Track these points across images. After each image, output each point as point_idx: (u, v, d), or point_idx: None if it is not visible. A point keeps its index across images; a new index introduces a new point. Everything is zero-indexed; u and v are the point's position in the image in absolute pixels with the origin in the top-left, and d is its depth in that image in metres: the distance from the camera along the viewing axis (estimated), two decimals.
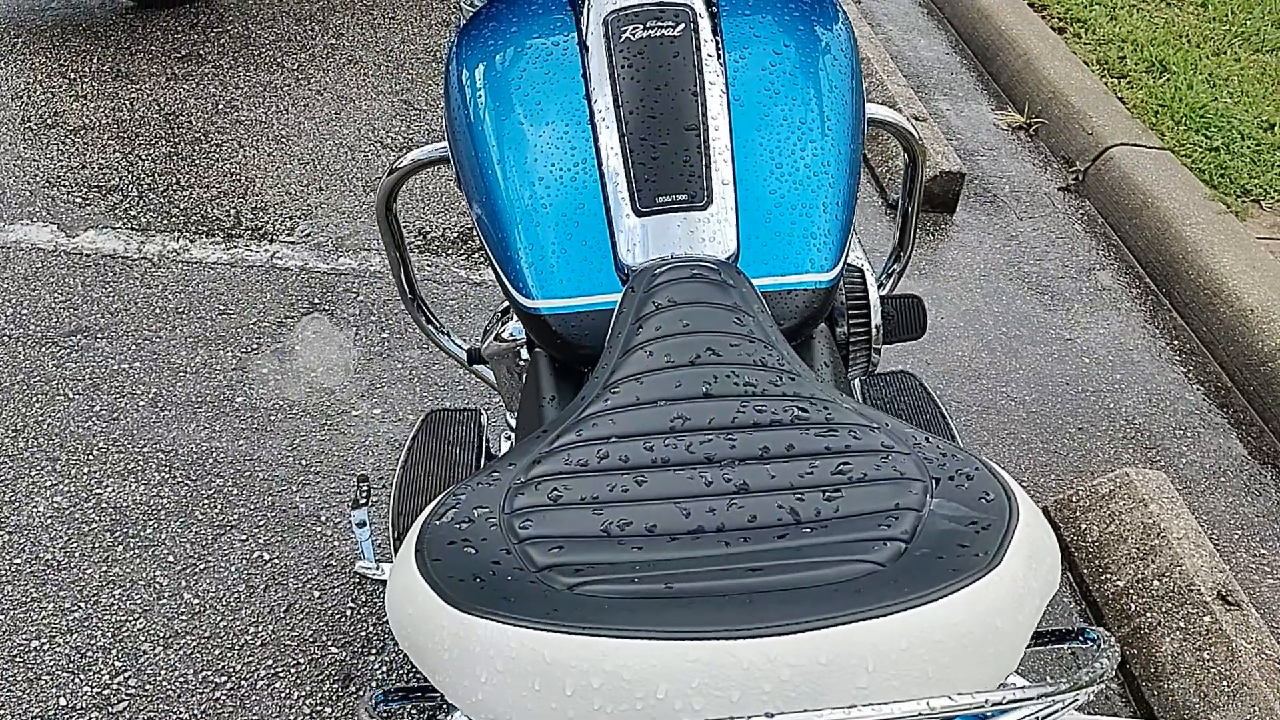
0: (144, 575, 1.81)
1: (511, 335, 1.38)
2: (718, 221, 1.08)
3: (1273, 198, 3.24)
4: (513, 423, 1.67)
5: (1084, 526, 2.07)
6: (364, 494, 1.73)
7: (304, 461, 2.06)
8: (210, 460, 2.05)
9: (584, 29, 1.19)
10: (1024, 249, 3.11)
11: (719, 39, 1.17)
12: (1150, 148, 3.44)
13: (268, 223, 2.81)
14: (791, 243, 1.10)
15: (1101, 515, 2.06)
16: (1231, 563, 2.08)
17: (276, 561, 1.86)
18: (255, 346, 2.36)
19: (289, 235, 2.76)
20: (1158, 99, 3.75)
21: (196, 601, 1.78)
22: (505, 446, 1.66)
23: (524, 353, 1.40)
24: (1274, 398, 2.50)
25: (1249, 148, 3.48)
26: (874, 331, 1.30)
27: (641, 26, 1.16)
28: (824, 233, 1.12)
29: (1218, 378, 2.64)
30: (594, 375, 0.95)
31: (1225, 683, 1.71)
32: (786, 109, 1.15)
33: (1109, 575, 1.96)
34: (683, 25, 1.15)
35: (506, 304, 1.53)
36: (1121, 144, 3.44)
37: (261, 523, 1.93)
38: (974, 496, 0.79)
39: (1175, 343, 2.76)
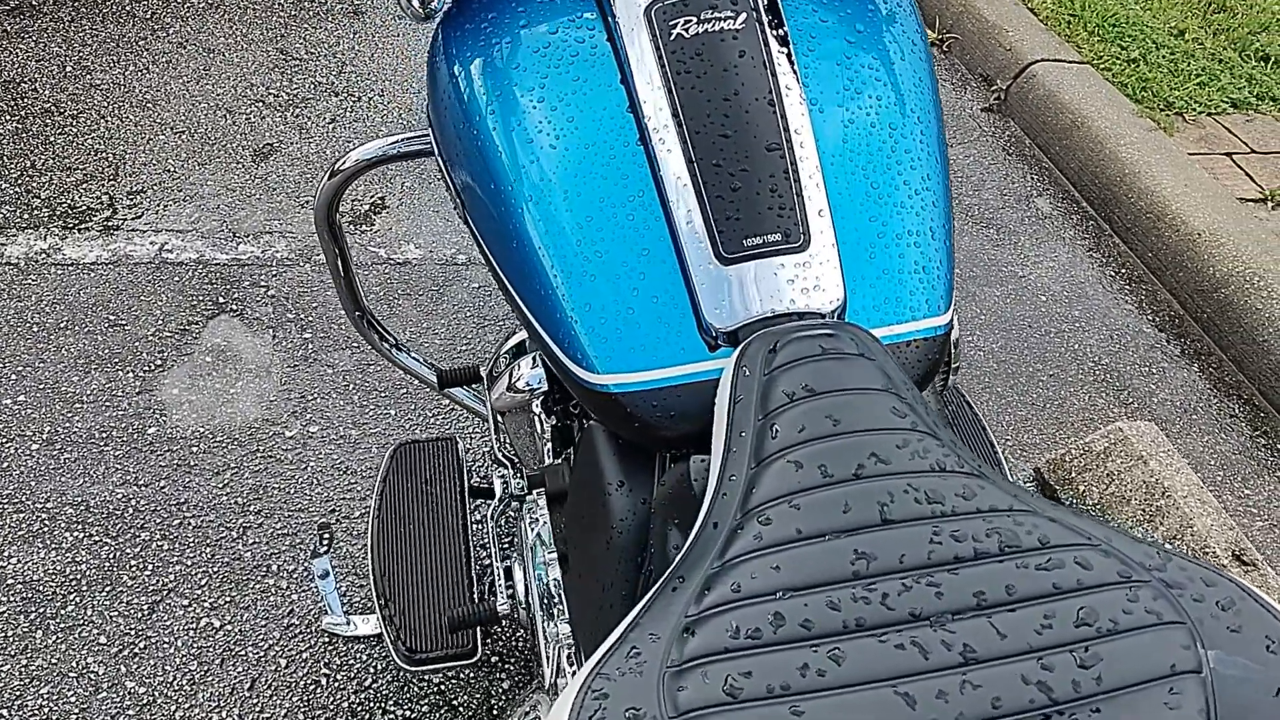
0: (74, 665, 1.55)
1: (528, 384, 1.17)
2: (819, 264, 0.89)
3: (1195, 109, 3.20)
4: (509, 457, 1.46)
5: (1083, 488, 1.99)
6: (325, 541, 1.50)
7: (240, 501, 1.81)
8: (129, 510, 1.77)
9: (614, 21, 0.97)
10: (960, 179, 3.00)
11: (783, 30, 0.96)
12: (1070, 62, 3.36)
13: (149, 209, 2.45)
14: (902, 282, 0.92)
15: (1100, 475, 1.99)
16: (1219, 504, 2.04)
17: (229, 628, 1.62)
18: (159, 362, 2.06)
19: (176, 222, 2.42)
20: (1068, 9, 3.66)
21: (142, 691, 1.53)
22: (497, 485, 1.45)
23: (537, 405, 1.19)
24: (1230, 325, 2.47)
25: (1164, 57, 3.43)
26: (952, 350, 1.14)
27: (695, 19, 0.94)
28: (935, 264, 0.94)
29: (1170, 306, 2.60)
30: (719, 494, 0.75)
31: None
32: (872, 113, 0.96)
33: None
34: (744, 15, 0.94)
35: (516, 339, 1.30)
36: (1042, 59, 3.35)
37: (203, 582, 1.68)
38: (1254, 642, 0.65)
39: (1124, 271, 2.71)
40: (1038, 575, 0.68)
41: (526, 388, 1.17)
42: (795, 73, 0.94)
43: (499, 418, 1.36)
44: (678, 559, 0.73)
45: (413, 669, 1.37)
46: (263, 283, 2.27)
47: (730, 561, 0.70)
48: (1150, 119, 3.06)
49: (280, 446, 1.91)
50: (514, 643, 1.64)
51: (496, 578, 1.40)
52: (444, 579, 1.44)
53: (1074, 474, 2.03)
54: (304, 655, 1.59)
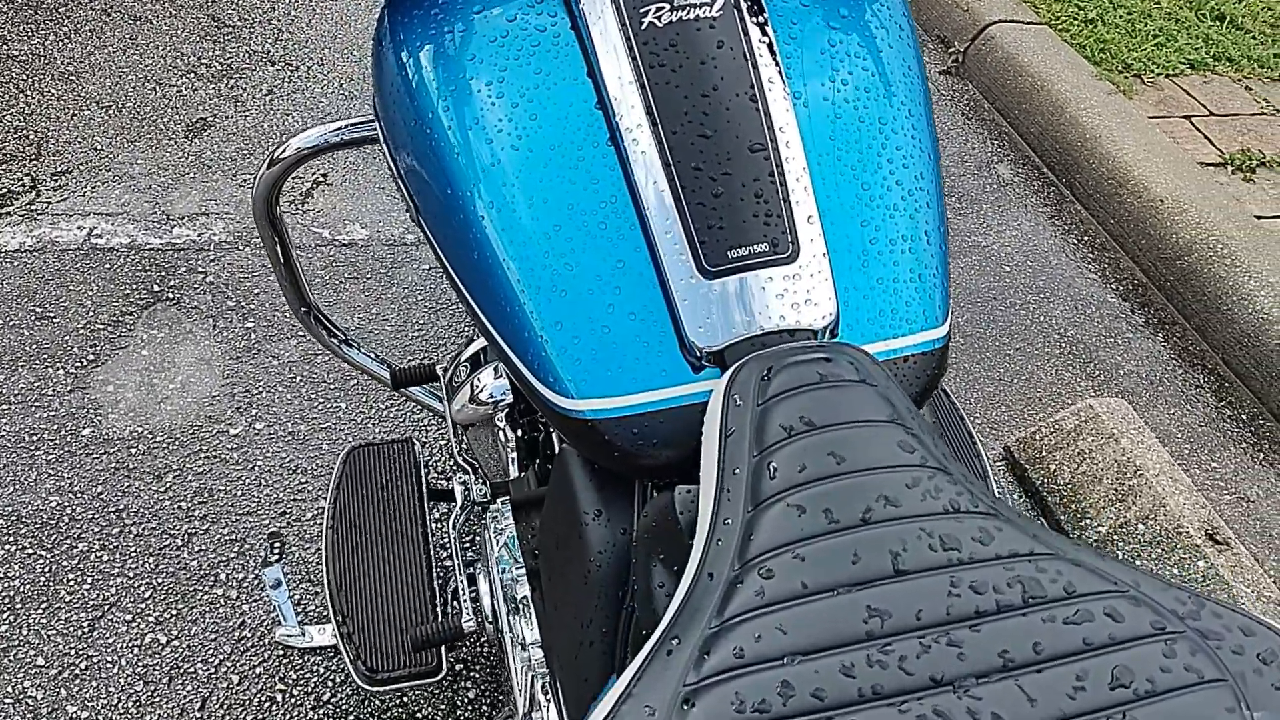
0: (10, 691, 1.46)
1: (491, 396, 1.09)
2: (810, 276, 0.82)
3: (1153, 71, 3.17)
4: (469, 461, 1.38)
5: (1053, 467, 1.96)
6: (275, 549, 1.42)
7: (184, 505, 1.71)
8: (65, 519, 1.67)
9: (579, 8, 0.88)
10: None
11: (763, 16, 0.88)
12: (1028, 23, 3.30)
13: (75, 190, 2.31)
14: (897, 292, 0.86)
15: (1070, 454, 1.96)
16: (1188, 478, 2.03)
17: (176, 644, 1.53)
18: (92, 358, 1.94)
19: (105, 204, 2.28)
20: None
21: (85, 716, 1.44)
22: (458, 490, 1.38)
23: (501, 418, 1.12)
24: (1192, 293, 2.45)
25: (1122, 17, 3.39)
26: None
27: (668, 6, 0.86)
28: (930, 271, 0.87)
29: (1133, 275, 2.58)
30: (712, 540, 0.69)
31: None
32: (860, 106, 0.89)
33: (1089, 520, 1.87)
34: (722, 1, 0.86)
35: (476, 345, 1.22)
36: (1000, 20, 3.29)
37: (147, 594, 1.58)
38: None
39: (1086, 238, 2.68)
40: (1066, 630, 0.63)
41: (490, 400, 1.10)
42: (778, 64, 0.86)
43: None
44: (671, 615, 0.66)
45: (374, 689, 1.29)
46: (200, 268, 2.15)
47: (730, 621, 0.64)
48: (1109, 81, 3.02)
49: (225, 445, 1.81)
50: (480, 648, 1.58)
51: (460, 590, 1.33)
52: (404, 592, 1.37)
53: (1044, 453, 1.99)
54: (257, 670, 1.51)
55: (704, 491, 0.73)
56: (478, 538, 1.59)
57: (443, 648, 1.31)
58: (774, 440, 0.72)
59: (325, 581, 1.37)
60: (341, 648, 1.32)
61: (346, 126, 1.19)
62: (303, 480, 1.76)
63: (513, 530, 1.17)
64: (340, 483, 1.46)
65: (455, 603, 1.33)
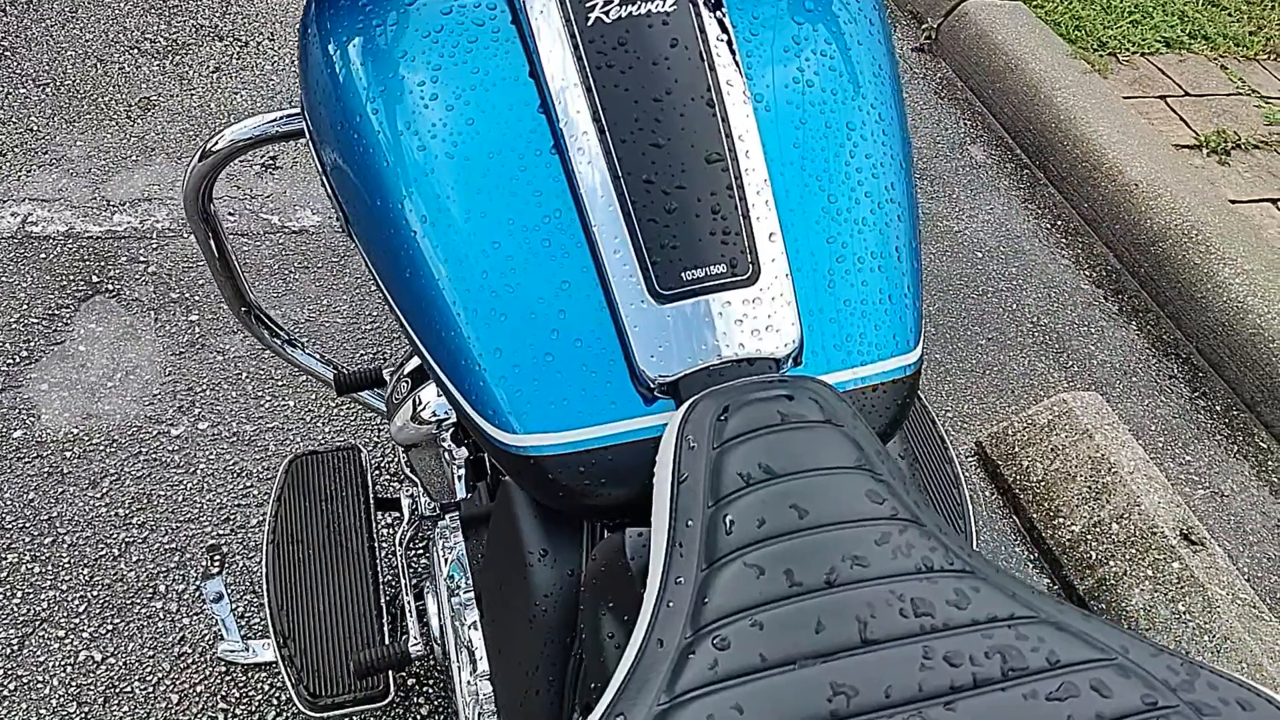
0: None
1: (434, 414, 1.01)
2: (772, 300, 0.75)
3: (1129, 49, 3.12)
4: (413, 471, 1.31)
5: (1026, 464, 1.92)
6: (216, 562, 1.34)
7: (121, 512, 1.63)
8: None
9: (520, 1, 0.80)
10: None
11: (722, 11, 0.81)
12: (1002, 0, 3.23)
13: (9, 175, 2.20)
14: (866, 314, 0.79)
15: (1044, 450, 1.91)
16: (1161, 473, 1.98)
17: (112, 661, 1.45)
18: (25, 354, 1.84)
19: (41, 189, 2.17)
20: None
21: None
22: (405, 504, 1.30)
23: (446, 437, 1.04)
24: (1167, 280, 2.41)
25: None
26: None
27: (616, 0, 0.78)
28: (902, 291, 0.81)
29: (1106, 261, 2.53)
30: (662, 601, 0.62)
31: (1207, 637, 1.62)
32: (827, 110, 0.82)
33: (1062, 519, 1.83)
34: None
35: (417, 360, 1.14)
36: None
37: (81, 608, 1.50)
38: None
39: (1059, 223, 2.62)
40: (1050, 708, 0.57)
41: (433, 418, 1.02)
42: (737, 65, 0.79)
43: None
44: (617, 685, 0.60)
45: (317, 715, 1.23)
46: (142, 258, 2.05)
47: (681, 698, 0.57)
48: (1084, 60, 2.96)
49: (166, 448, 1.72)
50: (433, 662, 1.51)
51: (407, 609, 1.26)
52: (349, 611, 1.30)
53: (1017, 449, 1.95)
54: (198, 689, 1.44)
55: (655, 542, 0.67)
56: (428, 556, 1.52)
57: (390, 672, 1.24)
58: (731, 490, 0.65)
59: (266, 601, 1.30)
60: (283, 671, 1.25)
61: (283, 117, 1.11)
62: (248, 484, 1.69)
63: (463, 549, 1.10)
64: (281, 494, 1.39)
65: (403, 624, 1.27)
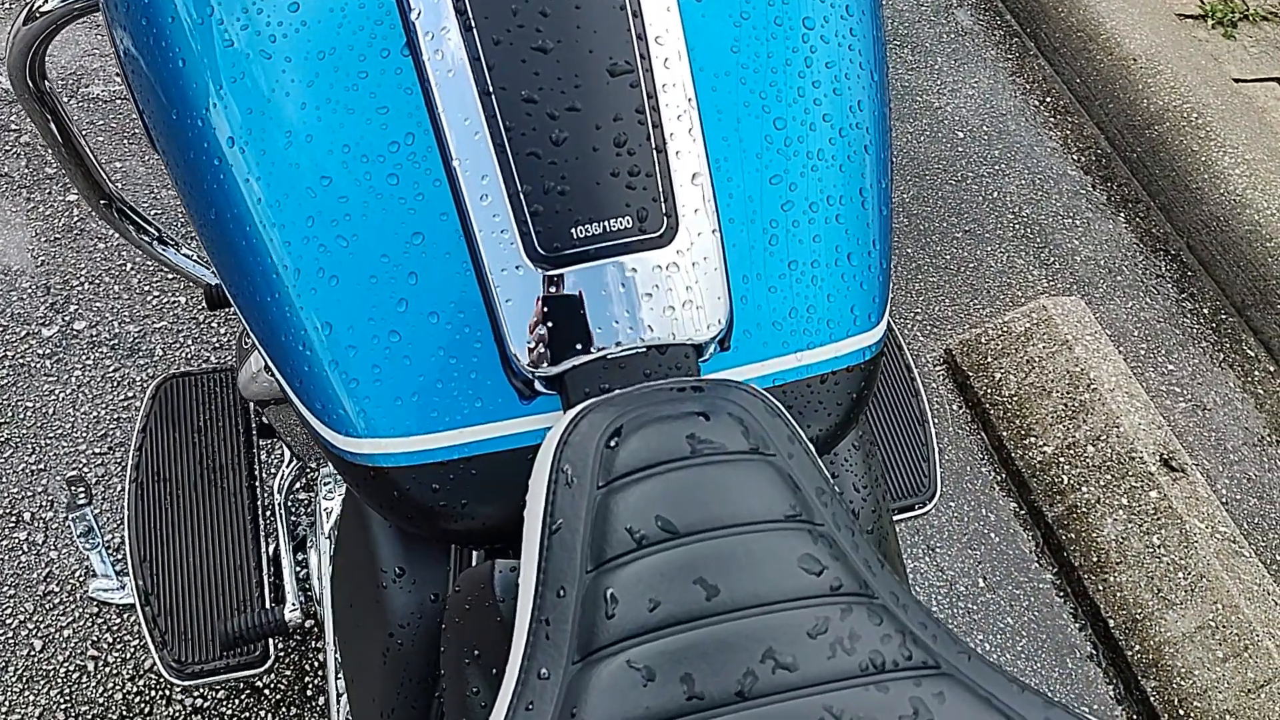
0: None
1: None
2: (694, 266, 0.56)
3: None
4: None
5: (998, 376, 1.76)
6: (81, 493, 1.17)
7: None
8: None
9: None
10: None
11: None
12: None
13: None
14: (817, 282, 0.60)
15: (1018, 361, 1.75)
16: (1142, 384, 1.83)
17: None
18: None
19: None
20: None
21: None
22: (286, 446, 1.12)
23: None
24: (1161, 168, 2.22)
25: None
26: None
27: None
28: (865, 252, 0.62)
29: (1097, 144, 2.33)
30: (521, 702, 0.46)
31: (1180, 573, 1.50)
32: (776, 3, 0.61)
33: (1034, 439, 1.68)
34: None
35: None
36: None
37: None
38: None
39: (1049, 100, 2.40)
40: None
41: None
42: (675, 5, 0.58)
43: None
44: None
45: (184, 683, 1.08)
46: (13, 125, 1.80)
47: None
48: None
49: (35, 351, 1.52)
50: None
51: (286, 567, 1.10)
52: (223, 564, 1.13)
53: (990, 359, 1.78)
54: (65, 633, 1.28)
55: (521, 605, 0.49)
56: (312, 507, 1.35)
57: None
58: (617, 553, 0.47)
59: (127, 550, 1.13)
60: (146, 635, 1.09)
61: None
62: (129, 394, 1.49)
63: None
64: (147, 424, 1.20)
65: (279, 582, 1.11)
